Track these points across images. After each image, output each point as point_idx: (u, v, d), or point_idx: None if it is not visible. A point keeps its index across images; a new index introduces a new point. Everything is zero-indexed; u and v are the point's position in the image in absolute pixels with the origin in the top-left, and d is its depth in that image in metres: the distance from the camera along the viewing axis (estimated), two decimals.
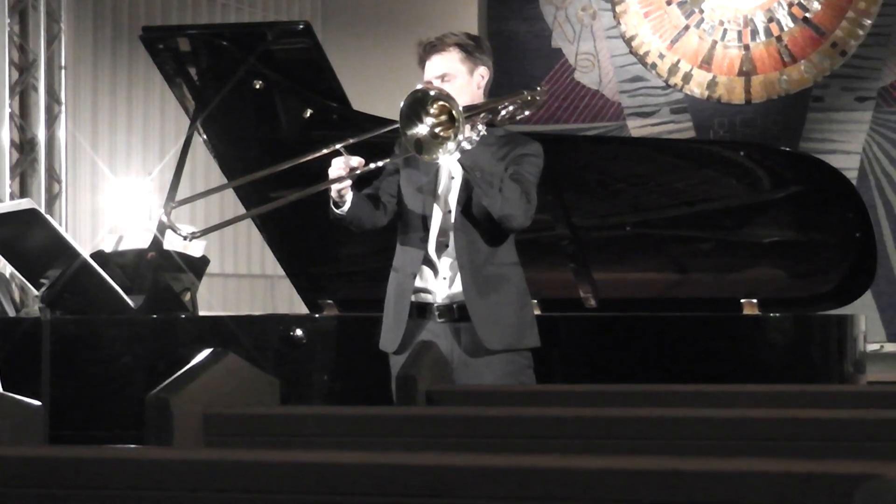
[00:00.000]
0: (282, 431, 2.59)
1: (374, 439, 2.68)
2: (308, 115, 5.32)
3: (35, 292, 4.72)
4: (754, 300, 5.14)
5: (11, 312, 6.38)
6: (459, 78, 3.95)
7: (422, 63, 4.01)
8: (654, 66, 10.20)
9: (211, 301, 8.97)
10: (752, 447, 2.47)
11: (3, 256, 5.07)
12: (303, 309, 6.01)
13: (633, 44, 10.25)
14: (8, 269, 6.44)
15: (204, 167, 9.38)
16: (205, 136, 5.57)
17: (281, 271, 6.17)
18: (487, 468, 1.92)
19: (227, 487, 1.96)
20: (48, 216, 4.84)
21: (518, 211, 3.80)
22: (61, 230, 4.74)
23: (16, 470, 2.02)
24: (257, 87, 5.30)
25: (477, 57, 3.97)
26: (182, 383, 2.50)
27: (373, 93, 8.72)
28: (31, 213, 4.63)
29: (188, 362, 2.70)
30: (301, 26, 5.19)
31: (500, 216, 3.79)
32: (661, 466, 1.84)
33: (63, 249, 4.65)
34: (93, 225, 9.28)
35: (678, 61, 10.15)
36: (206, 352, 2.69)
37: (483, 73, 3.99)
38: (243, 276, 10.24)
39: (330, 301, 5.84)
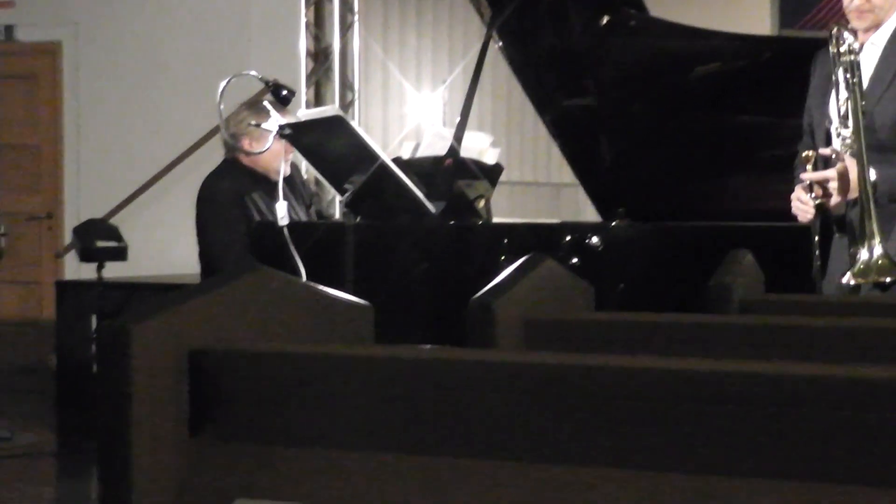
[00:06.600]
0: (598, 336, 2.59)
1: (686, 346, 2.65)
2: (605, 21, 5.26)
3: (339, 197, 4.83)
4: None
5: (305, 218, 6.58)
6: None
7: None
8: None
9: (496, 208, 9.05)
10: None
11: (308, 161, 5.22)
12: (590, 217, 5.98)
13: None
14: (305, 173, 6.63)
15: (490, 76, 9.43)
16: (500, 43, 5.56)
17: (567, 179, 6.15)
18: (819, 376, 1.88)
19: (555, 391, 1.96)
20: (353, 123, 4.95)
21: None
22: (366, 137, 4.82)
23: (353, 368, 2.08)
24: None
25: None
26: (504, 288, 2.52)
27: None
28: (337, 120, 4.74)
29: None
30: None
31: None
32: None
33: (366, 156, 4.75)
34: (384, 133, 9.48)
35: None
36: (525, 257, 2.71)
37: None
38: (529, 184, 10.29)
39: (621, 209, 5.80)
